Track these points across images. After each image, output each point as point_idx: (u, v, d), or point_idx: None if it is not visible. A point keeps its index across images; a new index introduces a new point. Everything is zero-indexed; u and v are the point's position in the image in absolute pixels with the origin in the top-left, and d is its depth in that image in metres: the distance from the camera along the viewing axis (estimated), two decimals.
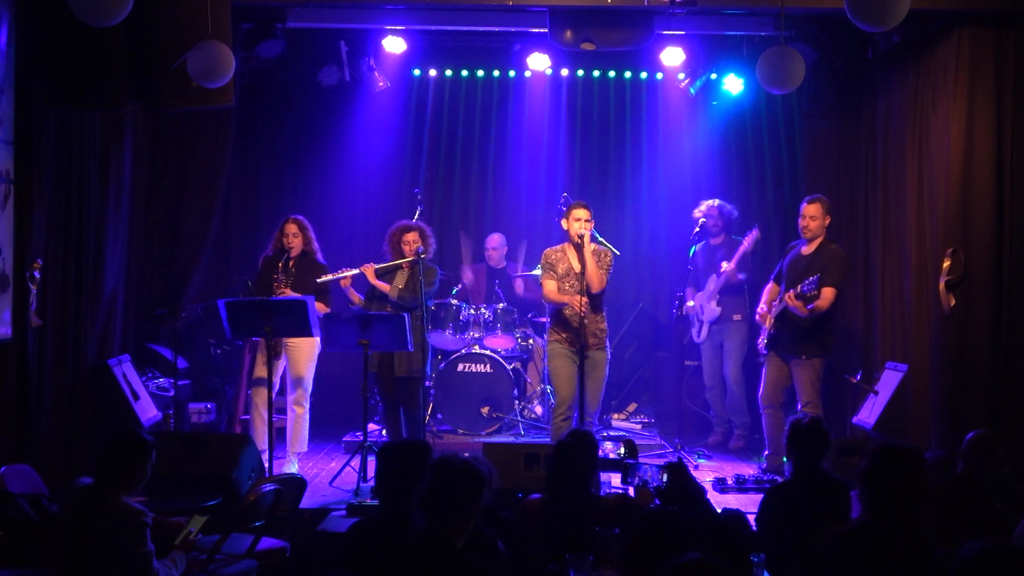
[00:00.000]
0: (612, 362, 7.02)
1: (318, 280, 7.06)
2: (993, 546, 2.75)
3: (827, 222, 6.96)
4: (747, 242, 7.71)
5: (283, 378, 7.17)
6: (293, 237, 7.09)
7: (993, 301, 6.41)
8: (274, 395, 6.74)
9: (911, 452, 3.64)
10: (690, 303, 8.08)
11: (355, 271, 7.07)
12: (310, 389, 7.14)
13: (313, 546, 5.45)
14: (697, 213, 7.97)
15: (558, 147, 9.31)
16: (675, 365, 8.17)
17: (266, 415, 6.95)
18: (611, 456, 4.97)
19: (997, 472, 4.62)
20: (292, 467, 6.93)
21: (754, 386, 7.85)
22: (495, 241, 8.77)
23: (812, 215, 6.93)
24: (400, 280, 7.06)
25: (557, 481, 4.23)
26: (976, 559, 2.72)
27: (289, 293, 6.91)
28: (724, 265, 7.76)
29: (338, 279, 7.07)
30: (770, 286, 7.22)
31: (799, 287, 6.63)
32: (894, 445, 3.71)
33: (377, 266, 7.08)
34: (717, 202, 8.02)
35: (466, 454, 3.59)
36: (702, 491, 4.23)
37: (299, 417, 7.06)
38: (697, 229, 7.79)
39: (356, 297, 7.15)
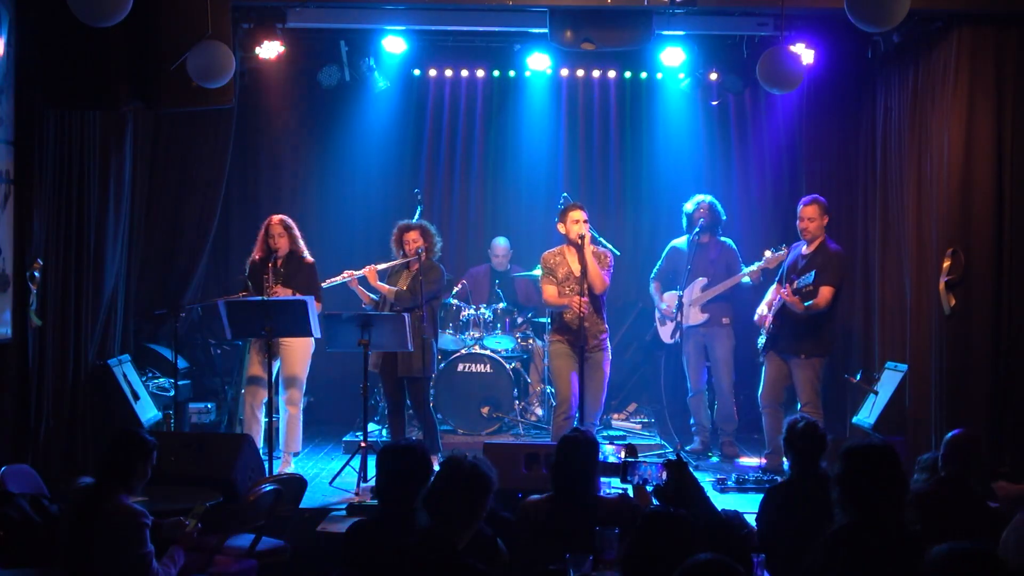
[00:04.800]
0: (612, 362, 7.00)
1: (323, 284, 7.06)
2: (959, 546, 2.74)
3: (825, 222, 6.95)
4: (772, 260, 7.22)
5: (276, 377, 7.15)
6: (279, 237, 7.05)
7: (993, 301, 6.41)
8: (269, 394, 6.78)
9: (883, 449, 3.65)
10: (662, 304, 7.87)
11: (358, 273, 7.06)
12: (303, 388, 7.14)
13: (313, 546, 5.46)
14: (689, 207, 7.72)
15: (558, 147, 9.31)
16: (675, 365, 8.14)
17: (260, 415, 6.98)
18: (610, 460, 4.95)
19: (983, 471, 4.59)
20: (288, 467, 6.93)
21: (745, 392, 7.84)
22: (502, 248, 8.76)
23: (810, 216, 6.92)
24: (404, 281, 7.03)
25: (562, 475, 4.22)
26: (943, 560, 2.71)
27: (281, 292, 6.90)
28: (750, 268, 7.41)
29: (344, 282, 7.07)
30: (774, 287, 7.19)
31: (795, 283, 6.65)
32: (864, 444, 3.72)
33: (379, 267, 7.07)
34: (709, 198, 7.74)
35: (467, 455, 3.59)
36: (702, 489, 4.23)
37: (293, 417, 7.06)
38: (697, 228, 7.63)
39: (366, 297, 7.13)
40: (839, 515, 3.61)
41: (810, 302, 6.64)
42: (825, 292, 6.68)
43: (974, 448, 4.58)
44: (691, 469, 4.25)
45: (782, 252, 7.23)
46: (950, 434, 4.65)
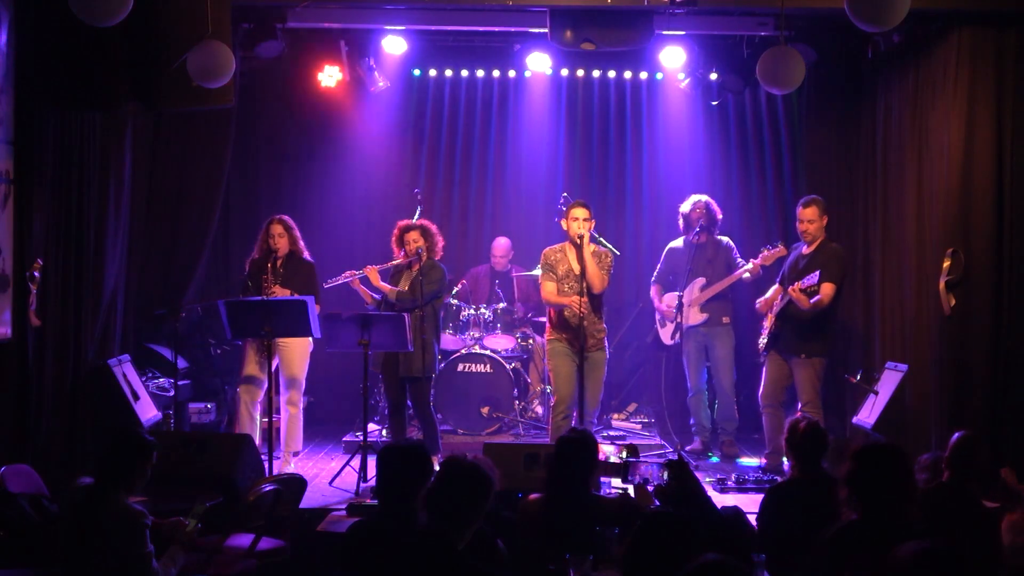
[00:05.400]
0: (612, 362, 7.00)
1: (324, 285, 7.06)
2: (929, 546, 2.75)
3: (825, 222, 6.95)
4: (769, 257, 7.29)
5: (276, 378, 7.15)
6: (279, 237, 7.05)
7: (993, 301, 6.41)
8: (268, 395, 6.77)
9: (893, 450, 3.65)
10: (662, 306, 7.86)
11: (359, 273, 7.05)
12: (303, 388, 7.14)
13: (313, 546, 5.45)
14: (686, 208, 7.70)
15: (558, 147, 9.31)
16: (674, 365, 8.14)
17: (255, 414, 7.00)
18: (612, 460, 4.95)
19: (984, 472, 4.60)
20: (288, 466, 6.93)
21: (745, 392, 7.83)
22: (503, 248, 8.76)
23: (809, 218, 6.92)
24: (405, 282, 7.01)
25: (557, 478, 4.23)
26: (908, 559, 2.72)
27: (279, 292, 6.90)
28: (748, 265, 7.41)
29: (345, 282, 7.07)
30: (775, 287, 7.19)
31: (799, 284, 6.65)
32: (875, 445, 3.72)
33: (380, 267, 7.06)
34: (704, 198, 7.71)
35: (467, 455, 3.59)
36: (703, 489, 4.23)
37: (293, 417, 7.06)
38: (697, 229, 7.62)
39: (368, 296, 7.12)
40: (844, 514, 3.62)
41: (815, 299, 6.65)
42: (828, 289, 6.69)
43: (977, 450, 4.59)
44: (691, 469, 4.25)
45: (778, 248, 7.28)
46: (955, 436, 4.64)
